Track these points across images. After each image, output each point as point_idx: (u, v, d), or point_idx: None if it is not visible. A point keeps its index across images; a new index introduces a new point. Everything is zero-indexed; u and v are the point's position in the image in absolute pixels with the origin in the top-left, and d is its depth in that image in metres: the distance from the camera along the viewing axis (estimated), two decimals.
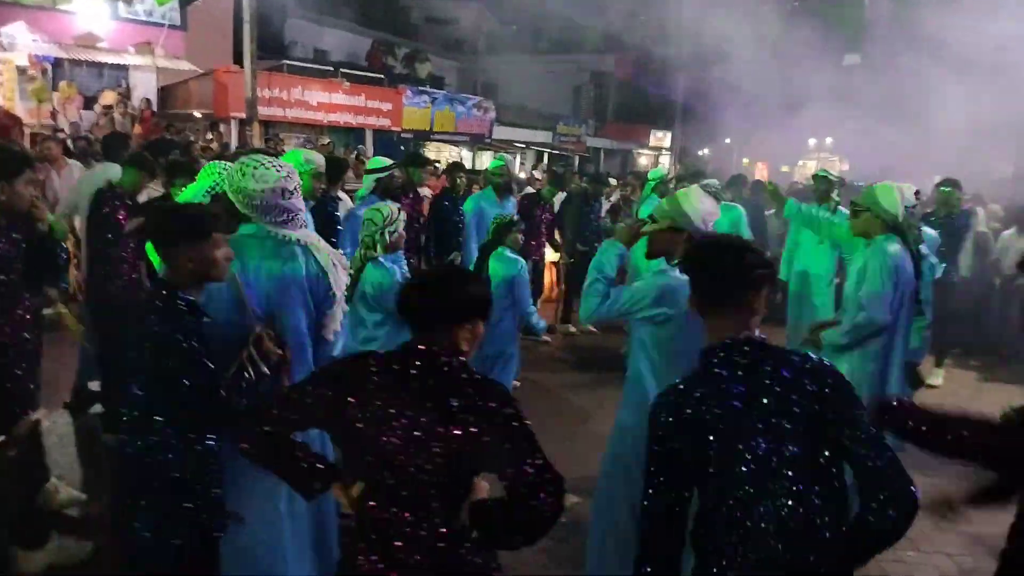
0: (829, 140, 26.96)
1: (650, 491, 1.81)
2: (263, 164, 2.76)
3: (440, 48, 27.50)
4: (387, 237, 3.80)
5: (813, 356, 1.84)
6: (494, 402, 1.83)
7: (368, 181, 5.81)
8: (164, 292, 2.29)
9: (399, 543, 1.85)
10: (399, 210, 3.90)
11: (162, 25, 15.35)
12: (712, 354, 1.84)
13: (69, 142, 10.59)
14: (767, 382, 1.76)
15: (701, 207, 3.03)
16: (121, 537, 2.29)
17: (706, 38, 17.14)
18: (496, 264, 4.86)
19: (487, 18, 28.39)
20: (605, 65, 29.04)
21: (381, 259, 3.81)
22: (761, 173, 23.14)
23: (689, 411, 1.77)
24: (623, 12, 20.32)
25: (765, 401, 1.74)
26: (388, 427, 1.83)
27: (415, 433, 1.81)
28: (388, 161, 5.97)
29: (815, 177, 6.87)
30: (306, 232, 2.89)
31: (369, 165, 6.09)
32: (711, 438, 1.73)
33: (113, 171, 5.11)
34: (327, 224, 5.25)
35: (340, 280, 2.93)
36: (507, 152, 23.35)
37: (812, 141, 27.45)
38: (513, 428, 1.82)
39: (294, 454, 2.05)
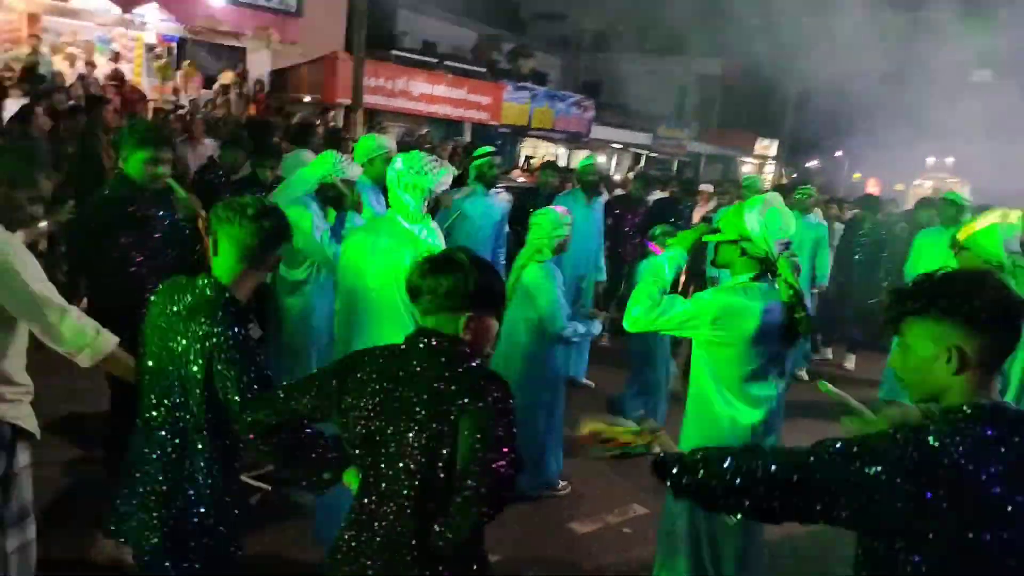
0: (950, 160, 25.40)
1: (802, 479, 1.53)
2: (409, 157, 3.11)
3: (546, 44, 27.49)
4: (554, 241, 4.03)
5: None
6: (469, 395, 1.69)
7: (472, 169, 6.02)
8: (222, 295, 2.08)
9: (376, 537, 1.77)
10: (567, 213, 4.16)
11: (279, 11, 15.98)
12: (984, 420, 1.50)
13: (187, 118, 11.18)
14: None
15: (765, 221, 2.81)
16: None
17: (821, 46, 16.45)
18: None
19: (596, 16, 28.18)
20: (711, 68, 28.23)
21: (548, 262, 4.06)
22: (872, 189, 22.06)
23: (955, 472, 1.44)
24: (734, 16, 19.76)
25: None
26: (380, 415, 1.75)
27: (400, 422, 1.72)
28: (490, 148, 6.21)
29: (942, 200, 6.41)
30: (428, 226, 3.18)
31: (475, 153, 6.34)
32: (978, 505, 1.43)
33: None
34: None
35: None
36: (603, 153, 23.16)
37: (930, 160, 25.94)
38: (482, 420, 1.66)
39: (303, 444, 1.98)
